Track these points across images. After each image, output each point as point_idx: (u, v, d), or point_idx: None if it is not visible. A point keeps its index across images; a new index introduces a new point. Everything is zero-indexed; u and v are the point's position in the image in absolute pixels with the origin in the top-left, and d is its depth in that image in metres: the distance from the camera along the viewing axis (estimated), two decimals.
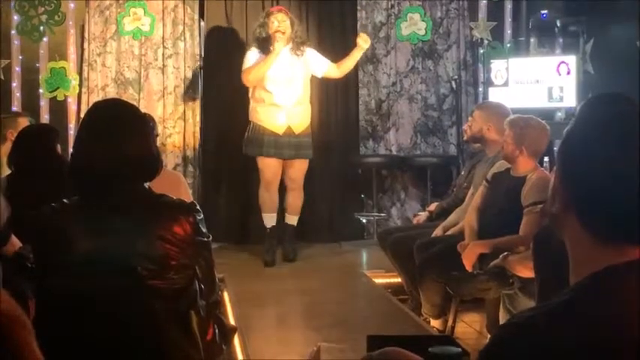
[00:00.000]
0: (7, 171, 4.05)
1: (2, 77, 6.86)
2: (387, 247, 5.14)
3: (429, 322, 4.64)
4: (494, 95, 6.73)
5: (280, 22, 6.20)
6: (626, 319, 1.11)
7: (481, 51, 7.41)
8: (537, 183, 4.03)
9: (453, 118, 7.36)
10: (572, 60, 6.50)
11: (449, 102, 7.42)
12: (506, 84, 6.81)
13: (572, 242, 1.23)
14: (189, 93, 7.16)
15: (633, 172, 1.15)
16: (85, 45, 7.03)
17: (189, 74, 7.16)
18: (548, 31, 7.17)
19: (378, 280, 5.68)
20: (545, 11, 7.04)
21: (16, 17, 6.90)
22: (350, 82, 7.43)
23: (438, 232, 4.85)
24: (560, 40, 7.09)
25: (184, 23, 7.14)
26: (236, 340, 3.87)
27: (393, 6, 7.41)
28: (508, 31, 7.45)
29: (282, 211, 6.63)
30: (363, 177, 7.41)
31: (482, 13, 7.44)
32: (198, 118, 7.20)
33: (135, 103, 5.76)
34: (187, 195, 3.88)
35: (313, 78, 6.60)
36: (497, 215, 4.26)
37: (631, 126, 1.19)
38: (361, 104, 7.41)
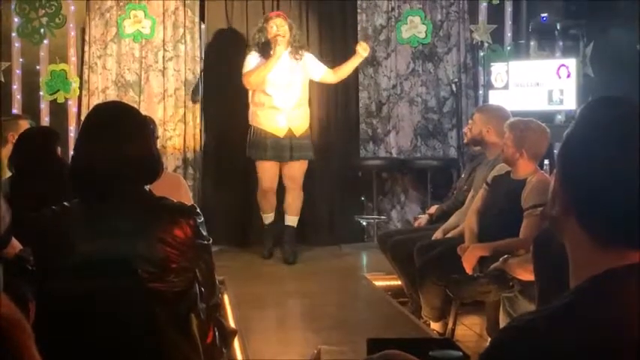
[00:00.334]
0: (7, 173, 4.05)
1: (3, 80, 6.86)
2: (387, 250, 5.14)
3: (429, 325, 4.64)
4: (495, 98, 6.73)
5: (279, 27, 6.30)
6: (626, 322, 1.11)
7: (481, 54, 7.41)
8: (537, 186, 4.03)
9: (453, 121, 7.36)
10: (572, 63, 6.51)
11: (449, 105, 7.43)
12: (506, 87, 6.81)
13: (572, 245, 1.23)
14: (189, 95, 7.16)
15: (633, 175, 1.15)
16: (86, 47, 7.03)
17: (190, 77, 7.16)
18: (549, 34, 7.17)
19: (378, 283, 5.68)
20: (546, 14, 7.04)
21: (16, 19, 6.90)
22: (350, 85, 7.44)
23: (438, 234, 4.85)
24: (561, 43, 7.10)
25: (185, 26, 7.14)
26: (236, 343, 3.87)
27: (393, 9, 7.41)
28: (508, 34, 7.45)
29: (281, 213, 6.69)
30: (364, 179, 7.41)
31: (482, 16, 7.45)
32: (198, 121, 7.20)
33: (135, 106, 5.73)
34: (188, 198, 3.88)
35: (313, 81, 6.71)
36: (498, 218, 4.26)
37: (631, 129, 1.19)
38: (361, 107, 7.42)
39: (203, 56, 7.28)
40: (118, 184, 2.32)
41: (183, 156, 7.14)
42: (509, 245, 4.05)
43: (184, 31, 7.14)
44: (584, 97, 6.31)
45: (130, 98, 6.93)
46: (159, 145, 5.81)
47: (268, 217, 6.65)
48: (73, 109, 7.04)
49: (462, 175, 5.49)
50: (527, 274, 3.61)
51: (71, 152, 2.53)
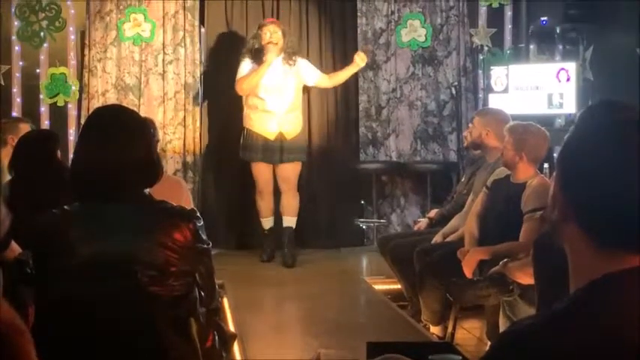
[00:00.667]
0: (7, 176, 4.05)
1: (2, 83, 6.87)
2: (387, 254, 5.14)
3: (428, 329, 4.63)
4: (494, 102, 6.74)
5: (272, 34, 6.44)
6: (626, 326, 1.11)
7: (481, 57, 7.42)
8: (537, 189, 4.03)
9: (453, 125, 7.37)
10: (571, 67, 6.51)
11: (449, 108, 7.43)
12: (506, 90, 6.81)
13: (571, 249, 1.23)
14: (189, 99, 7.17)
15: (633, 180, 1.15)
16: (86, 51, 7.03)
17: (190, 80, 7.17)
18: (548, 37, 7.17)
19: (378, 287, 5.68)
20: (545, 18, 7.05)
21: (16, 23, 6.91)
22: (350, 89, 7.45)
23: (437, 238, 4.85)
24: (560, 46, 7.10)
25: (185, 29, 7.15)
26: (236, 347, 3.87)
27: (393, 12, 7.42)
28: (508, 38, 7.46)
29: (280, 216, 6.73)
30: (363, 183, 7.41)
31: (482, 19, 7.45)
32: (198, 124, 7.20)
33: (135, 109, 5.75)
34: (188, 201, 3.88)
35: (313, 85, 6.81)
36: (497, 222, 4.26)
37: (631, 133, 1.19)
38: (361, 110, 7.42)
39: (203, 60, 7.29)
40: (118, 188, 2.32)
41: (183, 159, 7.14)
42: (509, 249, 4.05)
43: (184, 34, 7.14)
44: (584, 101, 6.32)
45: (129, 101, 6.93)
46: (159, 149, 5.82)
47: (267, 222, 6.71)
48: (72, 113, 7.04)
49: (462, 179, 5.49)
50: (527, 278, 3.61)
51: (71, 155, 2.53)
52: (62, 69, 7.00)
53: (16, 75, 6.92)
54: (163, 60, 7.12)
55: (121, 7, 7.06)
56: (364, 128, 7.42)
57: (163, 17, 7.12)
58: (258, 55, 6.46)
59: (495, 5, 7.40)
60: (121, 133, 2.37)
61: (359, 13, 7.39)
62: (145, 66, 7.10)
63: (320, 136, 7.37)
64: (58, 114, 7.00)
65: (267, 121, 6.51)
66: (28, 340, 1.18)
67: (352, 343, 4.04)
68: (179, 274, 2.29)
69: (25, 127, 5.07)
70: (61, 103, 7.01)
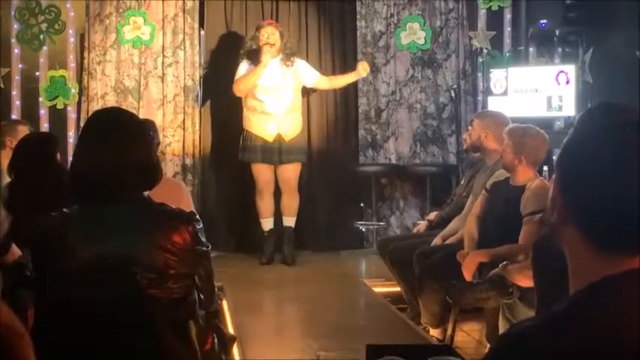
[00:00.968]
0: (6, 179, 4.05)
1: (2, 85, 6.86)
2: (387, 256, 5.14)
3: (428, 332, 4.63)
4: (494, 104, 6.74)
5: (270, 35, 6.50)
6: (625, 328, 1.11)
7: (480, 60, 7.42)
8: (536, 192, 4.03)
9: (453, 127, 7.37)
10: (571, 69, 6.52)
11: (448, 111, 7.43)
12: (505, 93, 6.82)
13: (571, 252, 1.23)
14: (188, 101, 7.17)
15: (633, 182, 1.15)
16: (85, 53, 7.03)
17: (189, 83, 7.17)
18: (548, 40, 7.18)
19: (378, 289, 5.68)
20: (545, 21, 7.05)
21: (16, 25, 6.90)
22: (349, 91, 7.46)
23: (437, 241, 4.85)
24: (559, 49, 7.10)
25: (184, 32, 7.15)
26: (235, 349, 3.86)
27: (392, 15, 7.42)
28: (507, 41, 7.46)
29: (280, 216, 6.79)
30: (363, 186, 7.41)
31: (481, 22, 7.46)
32: (197, 127, 7.20)
33: (134, 112, 5.77)
34: (189, 204, 3.88)
35: (312, 87, 6.84)
36: (497, 224, 4.26)
37: (630, 135, 1.19)
38: (361, 113, 7.42)
39: (202, 62, 7.29)
40: (117, 190, 2.32)
41: (182, 162, 7.14)
42: (508, 251, 4.05)
43: (184, 37, 7.14)
44: (583, 104, 6.32)
45: (129, 104, 6.93)
46: (158, 151, 5.82)
47: (267, 223, 6.73)
48: (72, 115, 7.04)
49: (462, 182, 5.49)
50: (526, 281, 3.61)
51: (70, 158, 2.53)
52: (62, 72, 6.99)
53: (16, 78, 6.92)
54: (163, 63, 7.12)
55: (121, 10, 7.06)
56: (364, 131, 7.43)
57: (163, 20, 7.12)
58: (255, 57, 6.51)
59: (495, 8, 7.41)
60: (121, 135, 2.37)
61: (358, 16, 7.39)
62: (144, 69, 7.10)
63: (319, 138, 7.38)
64: (58, 117, 7.00)
65: (266, 122, 6.56)
66: (27, 343, 1.18)
67: (352, 346, 4.04)
68: (178, 276, 2.29)
69: (23, 130, 5.07)
70: (60, 106, 7.00)
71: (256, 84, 6.50)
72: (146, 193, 2.40)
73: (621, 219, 1.15)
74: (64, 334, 2.25)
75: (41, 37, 6.93)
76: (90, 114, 5.47)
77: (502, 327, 3.99)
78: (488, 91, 7.07)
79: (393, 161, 7.40)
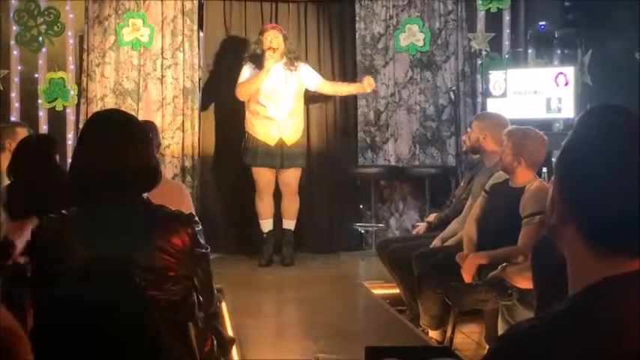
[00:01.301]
0: (6, 181, 4.05)
1: (1, 87, 6.86)
2: (386, 258, 5.14)
3: (427, 333, 4.63)
4: (493, 106, 6.74)
5: (273, 39, 6.51)
6: (624, 330, 1.11)
7: (479, 62, 7.42)
8: (536, 194, 4.03)
9: (452, 129, 7.37)
10: (570, 71, 6.52)
11: (447, 113, 7.44)
12: (504, 95, 6.82)
13: (570, 254, 1.23)
14: (187, 103, 7.17)
15: (632, 184, 1.15)
16: (84, 55, 7.03)
17: (188, 85, 7.16)
18: (547, 42, 7.19)
19: (377, 291, 5.67)
20: (544, 22, 7.05)
21: (15, 28, 6.90)
22: None
23: (436, 242, 4.85)
24: (559, 51, 7.11)
25: (183, 34, 7.15)
26: (234, 352, 3.86)
27: (391, 17, 7.42)
28: (506, 42, 7.46)
29: (279, 218, 6.82)
30: (362, 187, 7.41)
31: (480, 24, 7.46)
32: (196, 129, 7.20)
33: (133, 114, 5.76)
34: (189, 207, 3.87)
35: (314, 92, 6.88)
36: (496, 226, 4.26)
37: (629, 137, 1.19)
38: (360, 115, 7.42)
39: (201, 64, 7.29)
40: (117, 192, 2.32)
41: (182, 164, 7.14)
42: (507, 253, 4.05)
43: (183, 39, 7.14)
44: (583, 105, 6.32)
45: (128, 106, 6.93)
46: (157, 153, 5.82)
47: (266, 224, 6.76)
48: (71, 117, 7.04)
49: (461, 183, 5.50)
50: (525, 282, 3.61)
51: (69, 160, 2.53)
52: (61, 73, 6.99)
53: (15, 80, 6.91)
54: (162, 65, 7.12)
55: (120, 12, 7.06)
56: (363, 133, 7.43)
57: (162, 22, 7.12)
58: (259, 61, 6.53)
59: (494, 10, 7.41)
60: (120, 137, 2.37)
61: (357, 18, 7.39)
62: (143, 71, 7.10)
63: (319, 140, 7.38)
64: (57, 119, 7.00)
65: (269, 127, 6.59)
66: (25, 345, 1.18)
67: (351, 348, 4.03)
68: (177, 278, 2.29)
69: (22, 132, 5.07)
70: (59, 108, 7.00)
71: (259, 88, 6.53)
72: (145, 194, 2.40)
73: (621, 220, 1.15)
74: (63, 336, 2.24)
75: (40, 38, 6.93)
76: (89, 116, 5.48)
77: (501, 329, 3.99)
78: (487, 93, 7.07)
79: (393, 163, 7.40)
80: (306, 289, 5.91)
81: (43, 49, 6.95)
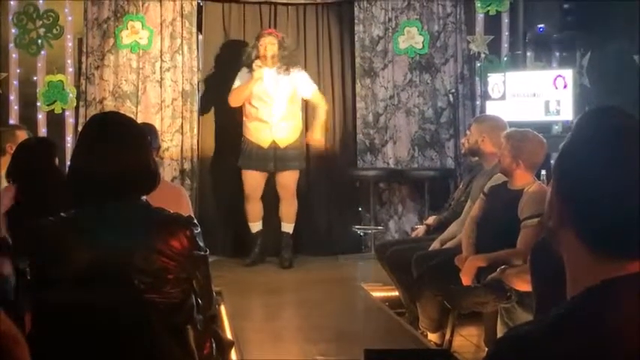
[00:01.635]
0: (5, 184, 4.05)
1: (0, 90, 6.86)
2: (385, 260, 5.14)
3: (426, 336, 4.63)
4: (492, 109, 6.75)
5: (268, 45, 6.55)
6: (623, 332, 1.11)
7: (478, 64, 7.43)
8: (534, 196, 4.03)
9: (451, 132, 7.38)
10: (568, 74, 6.53)
11: (446, 115, 7.44)
12: (503, 97, 6.83)
13: (569, 256, 1.23)
14: (186, 106, 7.17)
15: (630, 186, 1.15)
16: (83, 58, 7.03)
17: (187, 87, 7.17)
18: (545, 44, 7.20)
19: (376, 294, 5.67)
20: (542, 25, 7.06)
21: (14, 30, 6.90)
22: (347, 96, 7.48)
23: (435, 245, 4.85)
24: (557, 53, 7.12)
25: (182, 37, 7.15)
26: (233, 355, 3.86)
27: (390, 20, 7.43)
28: (505, 45, 7.47)
29: (278, 221, 6.84)
30: (361, 190, 7.42)
31: (479, 26, 7.46)
32: (195, 131, 7.20)
33: (132, 117, 5.75)
34: (187, 209, 3.87)
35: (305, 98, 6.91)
36: (495, 228, 4.26)
37: (628, 139, 1.19)
38: (359, 118, 7.43)
39: (200, 67, 7.29)
40: (115, 195, 2.32)
41: (181, 166, 7.14)
42: (506, 256, 4.05)
43: (182, 41, 7.15)
44: (581, 108, 6.33)
45: (127, 109, 6.93)
46: (157, 156, 5.82)
47: (255, 226, 6.81)
48: (70, 120, 7.04)
49: (460, 186, 5.50)
50: (524, 285, 3.61)
51: (68, 163, 2.53)
52: (59, 76, 6.99)
53: (14, 82, 6.91)
54: (161, 67, 7.12)
55: (119, 15, 7.06)
56: (362, 135, 7.43)
57: (161, 25, 7.12)
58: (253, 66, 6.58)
59: (492, 12, 7.41)
60: (119, 139, 2.37)
61: (356, 21, 7.40)
62: (142, 73, 7.10)
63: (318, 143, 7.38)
64: (56, 121, 6.99)
65: (261, 129, 6.63)
66: (24, 349, 1.18)
67: (350, 351, 4.04)
68: (176, 281, 2.29)
69: (22, 135, 5.07)
70: (58, 111, 7.00)
71: (252, 91, 6.57)
72: (145, 197, 2.40)
73: (619, 223, 1.15)
74: (62, 339, 2.24)
75: (39, 41, 6.93)
76: (88, 119, 5.48)
77: (500, 331, 3.99)
78: (486, 96, 7.07)
79: (392, 166, 7.40)
80: (305, 291, 5.91)
81: (42, 52, 6.95)
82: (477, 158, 5.14)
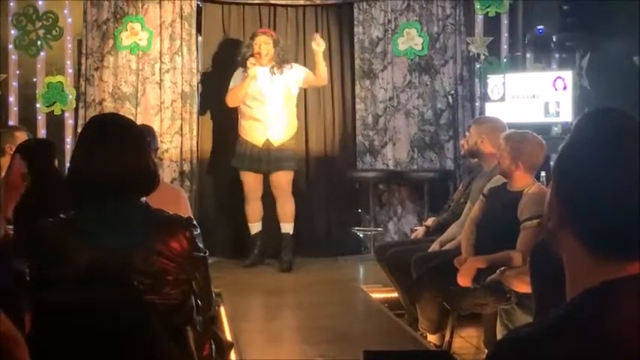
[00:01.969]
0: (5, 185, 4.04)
1: (0, 92, 6.86)
2: (384, 262, 5.14)
3: (426, 338, 4.63)
4: (491, 110, 6.75)
5: (262, 44, 6.55)
6: (623, 334, 1.11)
7: (477, 66, 7.44)
8: (534, 198, 4.03)
9: (450, 133, 7.38)
10: (568, 75, 6.53)
11: (446, 117, 7.44)
12: (502, 99, 6.83)
13: (568, 257, 1.23)
14: (186, 108, 7.17)
15: (630, 187, 1.15)
16: (83, 59, 7.03)
17: (187, 89, 7.17)
18: (545, 46, 7.20)
19: (375, 295, 5.67)
20: (542, 26, 7.07)
21: (13, 32, 6.90)
22: (347, 97, 7.48)
23: (435, 246, 4.85)
24: (557, 55, 7.12)
25: (182, 38, 7.15)
26: (232, 356, 3.86)
27: (389, 21, 7.43)
28: (504, 47, 7.47)
29: (277, 222, 6.82)
30: (361, 191, 7.42)
31: (478, 28, 7.47)
32: (195, 133, 7.20)
33: (132, 118, 5.75)
34: (186, 211, 3.87)
35: (310, 94, 6.91)
36: (495, 230, 4.26)
37: (627, 141, 1.20)
38: (358, 119, 7.43)
39: (200, 68, 7.29)
40: (115, 196, 2.32)
41: (180, 168, 7.13)
42: (506, 257, 4.05)
43: (181, 43, 7.14)
44: (581, 109, 6.33)
45: (126, 110, 6.92)
46: (156, 157, 5.82)
47: (254, 227, 6.80)
48: (69, 121, 7.04)
49: (459, 187, 5.50)
50: (524, 286, 3.61)
51: (68, 164, 2.53)
52: (59, 77, 6.99)
53: (13, 84, 6.91)
54: (160, 69, 7.12)
55: (118, 16, 7.06)
56: (361, 136, 7.43)
57: (160, 26, 7.12)
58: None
59: (492, 14, 7.42)
60: (118, 141, 2.37)
61: (356, 22, 7.40)
62: (141, 75, 7.10)
63: (317, 144, 7.39)
64: (55, 123, 6.99)
65: (255, 128, 6.65)
66: (23, 350, 1.18)
67: (349, 352, 4.04)
68: (176, 282, 2.29)
69: (21, 136, 5.07)
70: (57, 112, 7.00)
71: (246, 94, 6.58)
72: (144, 198, 2.40)
73: (619, 224, 1.15)
74: (61, 340, 2.24)
75: (39, 43, 6.93)
76: (87, 120, 5.47)
77: (500, 333, 3.99)
78: (485, 97, 7.08)
79: (391, 167, 7.40)
80: (305, 293, 5.91)
81: (42, 53, 6.95)
82: (476, 160, 5.14)
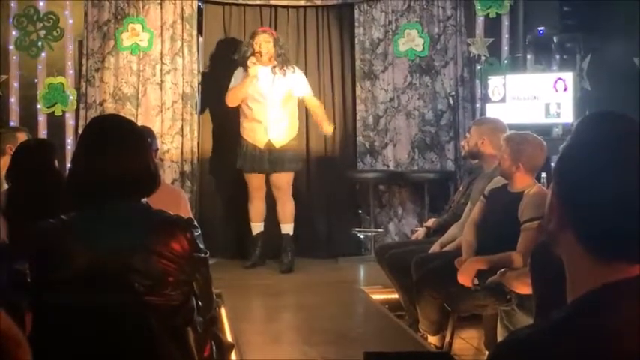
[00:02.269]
0: (5, 186, 4.05)
1: (0, 92, 6.86)
2: (385, 263, 5.14)
3: (426, 339, 4.62)
4: (492, 111, 6.75)
5: (262, 43, 6.53)
6: (624, 335, 1.11)
7: (478, 67, 7.43)
8: (534, 199, 4.03)
9: (451, 134, 7.38)
10: (569, 76, 6.53)
11: (446, 118, 7.44)
12: (503, 100, 6.83)
13: (569, 259, 1.23)
14: (187, 108, 7.17)
15: (630, 190, 1.15)
16: (83, 60, 7.03)
17: (188, 90, 7.17)
18: (545, 47, 7.20)
19: (376, 296, 5.67)
20: (542, 28, 7.07)
21: (14, 33, 6.90)
22: (347, 98, 7.48)
23: (435, 247, 4.85)
24: (557, 56, 7.12)
25: (183, 39, 7.15)
26: (233, 357, 3.86)
27: (390, 22, 7.43)
28: (505, 48, 7.47)
29: (278, 223, 6.82)
30: (361, 192, 7.42)
31: (479, 29, 7.47)
32: (195, 134, 7.20)
33: (133, 119, 5.76)
34: (187, 212, 3.87)
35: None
36: (495, 231, 4.26)
37: (628, 143, 1.20)
38: (359, 120, 7.43)
39: (201, 69, 7.30)
40: (116, 197, 2.33)
41: (181, 169, 7.13)
42: (506, 258, 4.05)
43: (182, 44, 7.15)
44: (581, 111, 6.33)
45: (127, 111, 6.93)
46: (156, 158, 5.82)
47: (256, 227, 6.79)
48: (70, 122, 7.04)
49: (460, 188, 5.50)
50: (524, 288, 3.61)
51: (68, 165, 2.53)
52: (60, 78, 6.99)
53: (14, 85, 6.92)
54: (161, 70, 7.12)
55: (119, 17, 7.06)
56: (362, 137, 7.43)
57: (161, 27, 7.12)
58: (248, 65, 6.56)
59: (492, 15, 7.42)
60: (119, 142, 2.38)
61: (356, 23, 7.40)
62: (142, 76, 7.10)
63: (317, 145, 7.38)
64: (56, 123, 7.00)
65: (256, 129, 6.62)
66: (25, 350, 1.18)
67: (350, 353, 4.04)
68: (176, 283, 2.29)
69: (22, 137, 5.07)
70: (58, 113, 7.00)
71: (247, 92, 6.55)
72: (145, 199, 2.40)
73: (619, 226, 1.15)
74: (62, 341, 2.24)
75: (39, 44, 6.93)
76: (88, 121, 5.48)
77: (500, 334, 3.99)
78: (486, 98, 7.07)
79: (392, 168, 7.40)
80: (305, 294, 5.90)
81: (43, 54, 6.96)
82: (476, 161, 5.14)
